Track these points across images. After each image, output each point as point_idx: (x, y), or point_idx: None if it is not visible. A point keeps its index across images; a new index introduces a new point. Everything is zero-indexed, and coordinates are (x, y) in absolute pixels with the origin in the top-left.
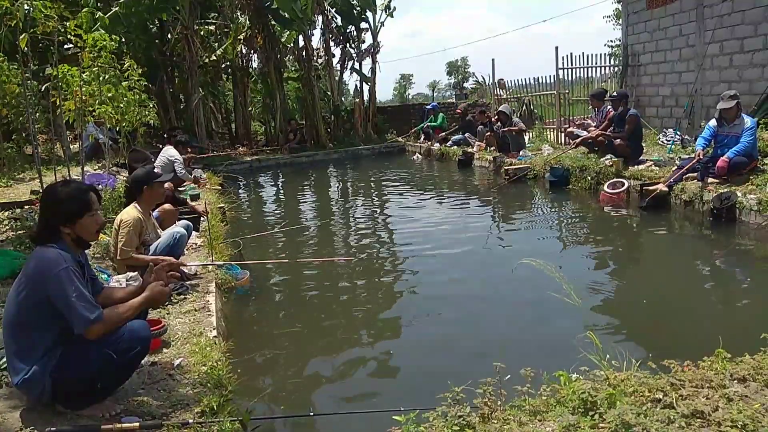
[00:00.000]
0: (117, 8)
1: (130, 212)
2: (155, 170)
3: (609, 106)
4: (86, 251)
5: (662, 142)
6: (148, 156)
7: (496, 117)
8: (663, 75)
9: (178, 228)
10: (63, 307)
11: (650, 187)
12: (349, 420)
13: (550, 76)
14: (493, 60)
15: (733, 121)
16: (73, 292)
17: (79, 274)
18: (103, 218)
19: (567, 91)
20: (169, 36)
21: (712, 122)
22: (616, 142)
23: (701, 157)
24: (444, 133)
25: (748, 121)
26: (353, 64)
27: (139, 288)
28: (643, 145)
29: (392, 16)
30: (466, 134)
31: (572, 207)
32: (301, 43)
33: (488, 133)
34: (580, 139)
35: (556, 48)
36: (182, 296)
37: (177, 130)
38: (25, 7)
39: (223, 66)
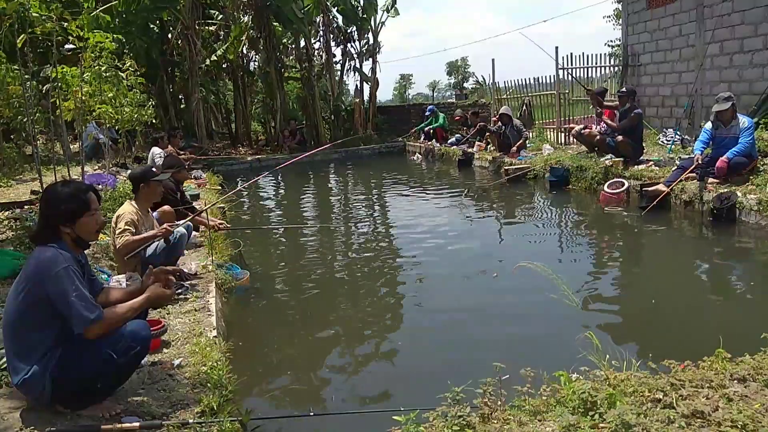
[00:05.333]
0: (115, 2)
1: (125, 207)
2: (153, 169)
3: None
4: (86, 251)
5: (662, 142)
6: (182, 163)
7: (497, 118)
8: (663, 75)
9: (178, 227)
10: (62, 307)
11: (651, 188)
12: (349, 420)
13: (550, 76)
14: (493, 60)
15: (730, 123)
16: (73, 291)
17: (79, 273)
18: (102, 218)
19: (567, 91)
20: (170, 36)
21: (708, 125)
22: (617, 139)
23: (699, 161)
24: (457, 138)
25: (745, 121)
26: (354, 64)
27: (139, 288)
28: (644, 145)
29: (398, 13)
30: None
31: (572, 207)
32: (302, 43)
33: (488, 133)
34: (575, 130)
35: (556, 48)
36: (182, 296)
37: (177, 131)
38: (22, 8)
39: (223, 66)
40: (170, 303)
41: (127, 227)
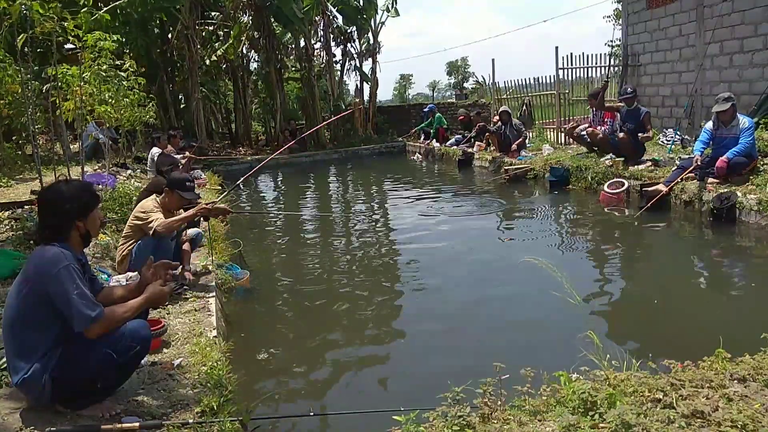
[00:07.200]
0: (118, 2)
1: (149, 201)
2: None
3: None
4: (85, 251)
5: (662, 142)
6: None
7: (497, 117)
8: (663, 75)
9: (196, 229)
10: (63, 306)
11: (650, 188)
12: (349, 420)
13: (550, 76)
14: (493, 60)
15: (730, 123)
16: (74, 290)
17: (80, 272)
18: (102, 215)
19: (567, 91)
20: (170, 36)
21: (709, 125)
22: (619, 136)
23: (699, 162)
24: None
25: (745, 121)
26: (354, 64)
27: (139, 285)
28: (645, 145)
29: (398, 14)
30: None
31: (572, 207)
32: (302, 43)
33: (488, 133)
34: (576, 131)
35: (556, 48)
36: (182, 296)
37: (177, 131)
38: (23, 7)
39: (223, 66)
40: (169, 302)
41: (155, 211)
